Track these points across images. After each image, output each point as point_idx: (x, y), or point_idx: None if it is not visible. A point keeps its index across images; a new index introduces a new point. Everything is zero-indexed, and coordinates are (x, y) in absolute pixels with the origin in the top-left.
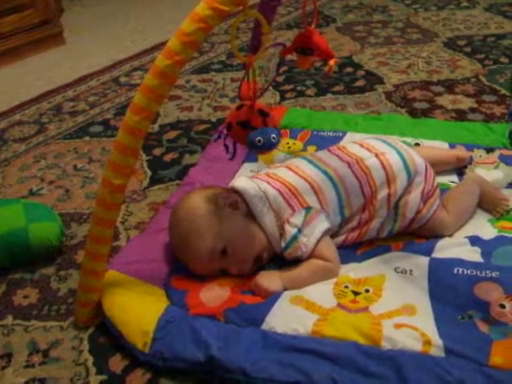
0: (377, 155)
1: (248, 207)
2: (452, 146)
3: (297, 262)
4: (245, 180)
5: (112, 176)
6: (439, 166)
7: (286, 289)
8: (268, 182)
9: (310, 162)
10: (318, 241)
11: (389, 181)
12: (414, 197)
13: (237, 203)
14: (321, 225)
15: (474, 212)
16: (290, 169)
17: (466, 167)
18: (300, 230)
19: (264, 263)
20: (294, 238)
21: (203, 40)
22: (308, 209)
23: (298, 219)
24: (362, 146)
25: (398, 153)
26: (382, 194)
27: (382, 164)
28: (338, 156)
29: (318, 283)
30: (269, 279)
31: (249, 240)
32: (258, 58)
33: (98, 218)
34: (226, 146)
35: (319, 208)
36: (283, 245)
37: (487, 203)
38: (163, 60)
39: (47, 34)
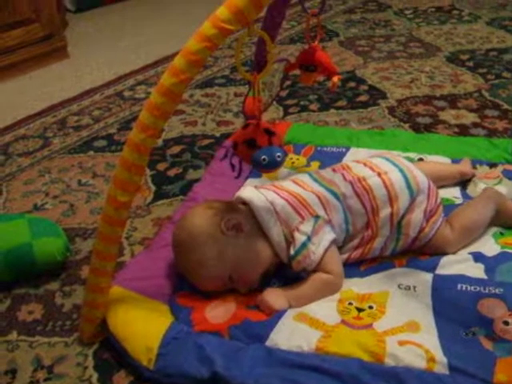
0: (379, 174)
1: (253, 221)
2: (455, 161)
3: (300, 278)
4: (251, 190)
5: (117, 193)
6: (442, 181)
7: (291, 306)
8: (275, 192)
9: (314, 179)
10: (326, 250)
11: (391, 200)
12: (417, 215)
13: (240, 225)
14: (329, 234)
15: (483, 229)
16: (296, 183)
17: (469, 181)
18: (309, 238)
19: (271, 274)
20: (304, 245)
21: (208, 58)
22: (317, 217)
23: (307, 227)
24: (365, 165)
25: (401, 171)
26: (384, 212)
27: (384, 183)
28: (341, 174)
29: (321, 301)
30: (274, 297)
31: (254, 262)
32: (263, 77)
33: (103, 235)
34: (233, 165)
35: (327, 218)
36: (292, 252)
37: (507, 218)
38: (169, 78)
39: (51, 48)
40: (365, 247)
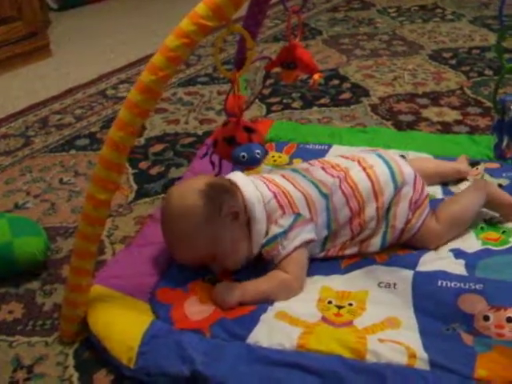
0: (364, 169)
1: (245, 210)
2: (437, 158)
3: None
4: (243, 177)
5: (96, 191)
6: (438, 178)
7: (244, 301)
8: (264, 183)
9: (303, 176)
10: (296, 248)
11: (375, 194)
12: (403, 207)
13: (238, 214)
14: (305, 234)
15: (471, 220)
16: (286, 178)
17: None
18: (284, 232)
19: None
20: (275, 237)
21: (188, 55)
22: (298, 215)
23: (285, 221)
24: (353, 159)
25: (386, 163)
26: (370, 207)
27: (369, 177)
28: (327, 171)
29: (300, 301)
30: (227, 290)
31: (239, 253)
32: (242, 74)
33: (83, 233)
34: (213, 163)
35: (309, 218)
36: (264, 241)
37: (497, 208)
38: (148, 75)
39: (34, 47)
40: (361, 245)
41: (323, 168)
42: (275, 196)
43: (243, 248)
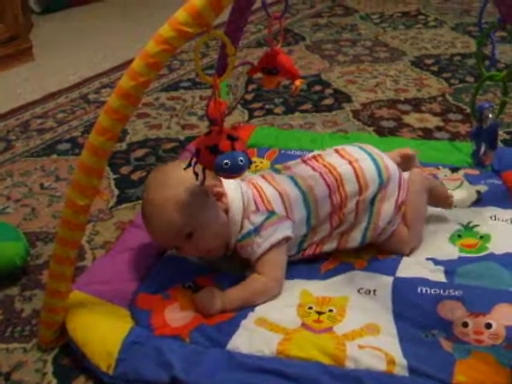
0: (350, 162)
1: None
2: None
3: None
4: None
5: (76, 196)
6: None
7: (225, 309)
8: (241, 179)
9: (281, 173)
10: (272, 246)
11: (361, 188)
12: (389, 206)
13: (221, 196)
14: (281, 232)
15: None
16: (264, 177)
17: None
18: (256, 229)
19: (210, 258)
20: (249, 234)
21: (168, 61)
22: (272, 213)
23: (257, 218)
24: (337, 151)
25: (373, 160)
26: (353, 201)
27: (355, 171)
28: (310, 166)
29: (281, 306)
30: (209, 298)
31: (216, 235)
32: (224, 80)
33: (62, 239)
34: (196, 174)
35: (284, 215)
36: (239, 237)
37: (436, 200)
38: (127, 81)
39: (16, 50)
40: (340, 239)
41: (304, 161)
42: (251, 190)
43: (221, 232)
